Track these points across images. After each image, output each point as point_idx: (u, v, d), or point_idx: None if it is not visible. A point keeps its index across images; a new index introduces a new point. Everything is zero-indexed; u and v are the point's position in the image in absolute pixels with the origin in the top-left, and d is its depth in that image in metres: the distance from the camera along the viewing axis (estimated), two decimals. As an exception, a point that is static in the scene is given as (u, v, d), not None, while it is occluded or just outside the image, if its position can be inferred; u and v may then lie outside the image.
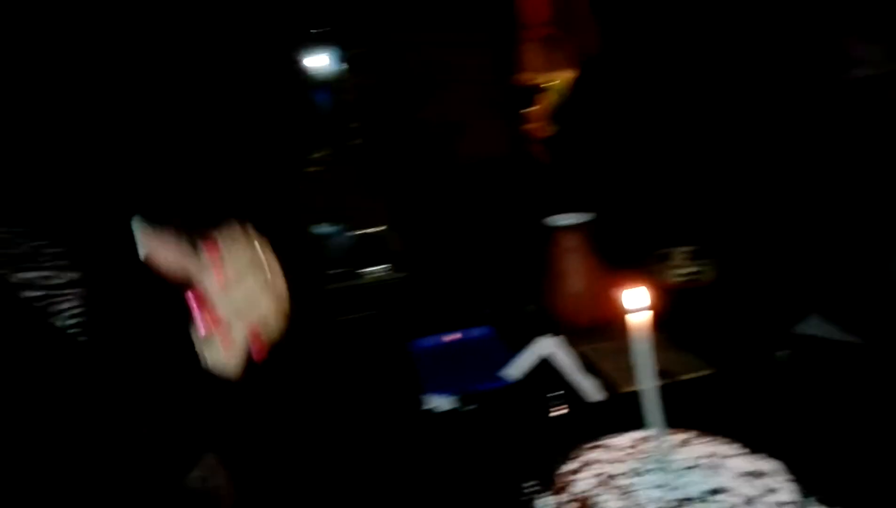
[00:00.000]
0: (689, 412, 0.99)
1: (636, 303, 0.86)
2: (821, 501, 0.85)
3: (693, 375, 1.48)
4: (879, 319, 1.50)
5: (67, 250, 1.02)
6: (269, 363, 1.95)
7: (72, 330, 0.97)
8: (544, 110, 4.85)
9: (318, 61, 2.81)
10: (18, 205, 1.16)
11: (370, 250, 2.81)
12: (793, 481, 0.86)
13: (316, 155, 2.77)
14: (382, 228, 2.87)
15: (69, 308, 0.99)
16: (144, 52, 1.84)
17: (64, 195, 1.26)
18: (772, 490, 0.84)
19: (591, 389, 1.46)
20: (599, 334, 1.71)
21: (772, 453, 0.91)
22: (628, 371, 0.93)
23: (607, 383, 1.49)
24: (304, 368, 2.57)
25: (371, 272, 2.78)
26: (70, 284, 1.01)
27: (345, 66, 2.85)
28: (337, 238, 2.79)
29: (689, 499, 0.82)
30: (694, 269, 1.96)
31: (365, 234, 2.83)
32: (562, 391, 1.43)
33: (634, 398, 0.90)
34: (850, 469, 1.03)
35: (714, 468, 0.88)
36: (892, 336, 1.42)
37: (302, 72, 2.71)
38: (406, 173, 2.78)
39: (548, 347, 1.52)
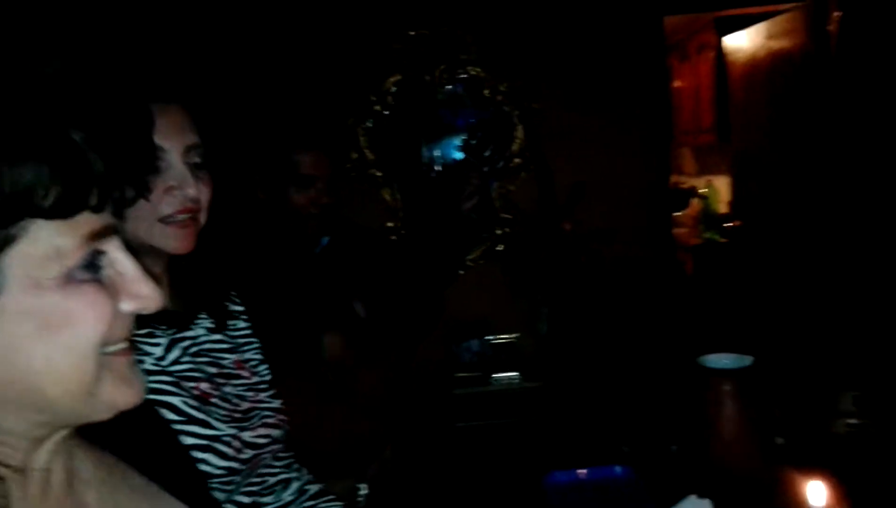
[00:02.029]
0: None
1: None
2: None
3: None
4: None
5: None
6: (386, 463, 1.90)
7: None
8: (695, 216, 4.64)
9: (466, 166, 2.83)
10: None
11: (502, 357, 2.74)
12: None
13: (468, 258, 2.80)
14: (516, 335, 2.80)
15: None
16: None
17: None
18: None
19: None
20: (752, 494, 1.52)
21: None
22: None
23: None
24: (425, 471, 2.51)
25: (500, 380, 2.70)
26: None
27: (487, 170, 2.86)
28: (471, 342, 2.75)
29: None
30: (861, 418, 1.73)
31: (498, 340, 2.78)
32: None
33: None
34: None
35: None
36: None
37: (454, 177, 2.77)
38: (551, 281, 2.71)
39: (699, 508, 1.36)
